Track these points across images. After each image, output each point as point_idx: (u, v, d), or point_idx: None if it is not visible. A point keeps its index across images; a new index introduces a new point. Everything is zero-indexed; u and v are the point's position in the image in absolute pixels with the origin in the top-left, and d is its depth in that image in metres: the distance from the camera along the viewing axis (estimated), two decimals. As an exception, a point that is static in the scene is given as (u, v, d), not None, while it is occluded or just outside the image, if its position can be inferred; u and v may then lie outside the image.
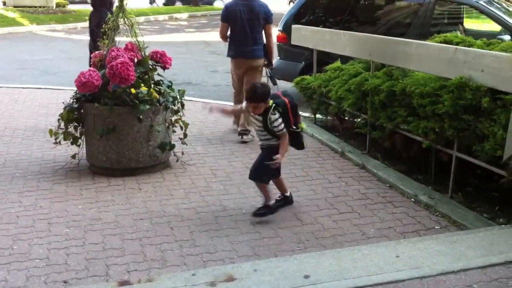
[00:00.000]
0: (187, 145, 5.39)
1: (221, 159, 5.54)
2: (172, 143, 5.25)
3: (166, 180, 4.93)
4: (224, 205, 4.36)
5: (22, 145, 5.93)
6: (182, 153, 5.38)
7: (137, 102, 4.89)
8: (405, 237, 3.78)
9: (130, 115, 4.91)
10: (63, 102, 5.26)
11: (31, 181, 4.86)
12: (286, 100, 3.94)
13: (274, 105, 3.83)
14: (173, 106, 5.24)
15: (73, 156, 5.14)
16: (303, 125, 4.31)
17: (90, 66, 5.69)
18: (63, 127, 5.07)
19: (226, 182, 4.89)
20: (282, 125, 3.87)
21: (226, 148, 5.92)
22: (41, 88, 9.07)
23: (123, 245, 3.67)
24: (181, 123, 5.30)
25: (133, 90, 4.89)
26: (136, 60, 5.12)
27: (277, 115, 3.83)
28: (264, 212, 4.07)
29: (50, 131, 5.12)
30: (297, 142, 4.14)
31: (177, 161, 5.34)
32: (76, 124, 5.12)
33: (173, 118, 5.30)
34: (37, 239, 3.76)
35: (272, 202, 4.13)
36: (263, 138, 4.01)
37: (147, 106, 4.92)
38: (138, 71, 5.03)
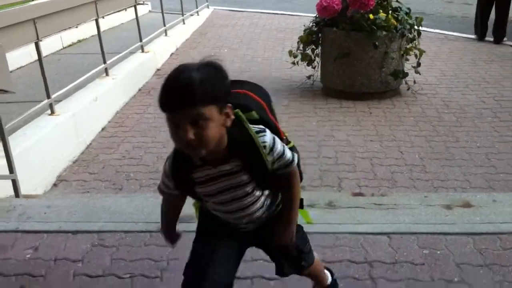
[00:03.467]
0: (420, 74, 5.29)
1: (454, 91, 5.34)
2: (405, 71, 5.21)
3: (396, 107, 4.96)
4: (456, 136, 4.25)
5: (262, 65, 6.48)
6: (414, 82, 5.30)
7: (374, 28, 4.92)
8: None
9: (366, 41, 4.98)
10: (304, 25, 5.54)
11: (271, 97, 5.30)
12: (252, 95, 1.62)
13: (242, 114, 1.49)
14: (409, 34, 5.16)
15: (309, 77, 5.47)
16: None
17: None
18: (302, 49, 5.38)
19: (460, 114, 4.73)
20: (287, 150, 1.57)
21: (461, 80, 5.67)
22: (278, 14, 9.63)
23: (354, 162, 3.86)
24: (416, 51, 5.20)
25: (371, 16, 4.93)
26: (376, -15, 5.11)
27: (267, 136, 1.51)
28: None
29: (290, 51, 5.48)
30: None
31: (408, 89, 5.29)
32: (313, 47, 5.39)
33: (408, 46, 5.21)
34: (277, 148, 4.16)
35: (329, 279, 2.05)
36: (257, 208, 1.62)
37: (384, 32, 4.94)
38: (377, -4, 5.03)
